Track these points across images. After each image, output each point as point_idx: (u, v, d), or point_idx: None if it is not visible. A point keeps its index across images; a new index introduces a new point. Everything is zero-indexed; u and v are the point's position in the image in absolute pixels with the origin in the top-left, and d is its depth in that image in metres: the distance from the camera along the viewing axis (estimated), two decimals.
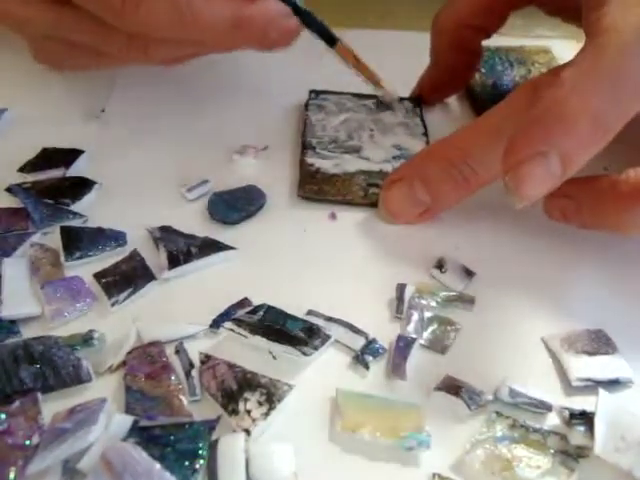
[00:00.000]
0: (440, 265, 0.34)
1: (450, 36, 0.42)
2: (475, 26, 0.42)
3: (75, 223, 0.35)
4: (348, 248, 0.35)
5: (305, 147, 0.40)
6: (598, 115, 0.28)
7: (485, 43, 0.43)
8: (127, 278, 0.32)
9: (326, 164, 0.39)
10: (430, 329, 0.31)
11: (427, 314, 0.32)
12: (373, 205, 0.37)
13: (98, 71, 0.42)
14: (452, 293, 0.33)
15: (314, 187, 0.38)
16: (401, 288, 0.32)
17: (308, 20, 0.39)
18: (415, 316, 0.31)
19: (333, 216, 0.37)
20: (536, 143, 0.28)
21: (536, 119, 0.29)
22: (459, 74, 0.45)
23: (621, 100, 0.28)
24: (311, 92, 0.44)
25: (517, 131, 0.29)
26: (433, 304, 0.32)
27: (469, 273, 0.34)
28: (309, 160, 0.39)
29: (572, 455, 0.26)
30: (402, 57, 0.45)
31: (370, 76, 0.42)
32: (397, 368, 0.29)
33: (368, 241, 0.36)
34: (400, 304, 0.32)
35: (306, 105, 0.43)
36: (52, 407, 0.27)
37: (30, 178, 0.37)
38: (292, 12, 0.37)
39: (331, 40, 0.40)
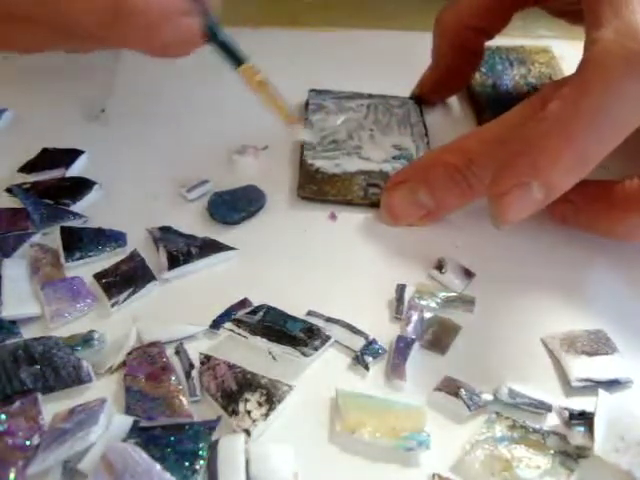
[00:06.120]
0: (440, 266, 0.34)
1: (452, 37, 0.42)
2: (477, 27, 0.42)
3: (75, 223, 0.35)
4: (348, 248, 0.35)
5: (305, 147, 0.40)
6: (580, 150, 0.29)
7: (485, 43, 0.43)
8: (127, 278, 0.32)
9: (326, 164, 0.39)
10: (430, 330, 0.31)
11: (427, 315, 0.32)
12: (373, 205, 0.37)
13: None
14: (452, 294, 0.33)
15: (314, 187, 0.38)
16: (401, 289, 0.32)
17: (212, 29, 0.31)
18: (415, 317, 0.31)
19: (333, 216, 0.37)
20: (519, 175, 0.29)
21: (521, 151, 0.30)
22: (460, 75, 0.45)
23: (602, 137, 0.29)
24: (311, 92, 0.44)
25: (503, 162, 0.30)
26: (433, 305, 0.32)
27: (469, 274, 0.34)
28: (309, 160, 0.39)
29: (572, 455, 0.26)
30: (402, 57, 0.45)
31: (278, 106, 0.37)
32: (397, 369, 0.29)
33: (368, 241, 0.36)
34: (400, 305, 0.32)
35: (306, 105, 0.43)
36: (52, 408, 0.27)
37: (30, 178, 0.37)
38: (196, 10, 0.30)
39: (237, 60, 0.34)
